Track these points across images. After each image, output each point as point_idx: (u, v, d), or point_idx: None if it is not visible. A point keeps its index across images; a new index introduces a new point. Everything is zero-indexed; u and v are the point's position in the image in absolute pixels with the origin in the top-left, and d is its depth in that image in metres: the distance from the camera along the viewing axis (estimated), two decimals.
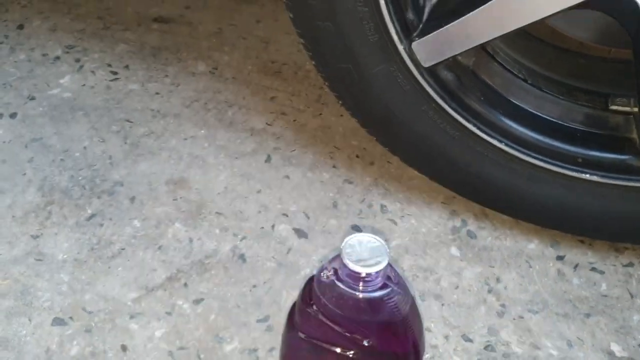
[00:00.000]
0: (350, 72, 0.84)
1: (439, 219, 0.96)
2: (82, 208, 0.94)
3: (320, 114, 1.15)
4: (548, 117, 0.85)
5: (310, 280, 0.54)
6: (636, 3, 0.70)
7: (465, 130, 0.83)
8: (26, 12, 1.35)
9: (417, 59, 0.79)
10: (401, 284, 0.52)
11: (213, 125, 1.11)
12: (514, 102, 0.86)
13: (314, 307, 0.52)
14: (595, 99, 0.86)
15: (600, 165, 0.82)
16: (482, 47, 0.84)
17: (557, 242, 0.93)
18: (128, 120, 1.11)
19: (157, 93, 1.17)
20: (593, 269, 0.89)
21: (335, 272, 0.51)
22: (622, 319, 0.83)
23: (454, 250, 0.91)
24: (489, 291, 0.86)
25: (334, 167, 1.04)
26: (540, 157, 0.83)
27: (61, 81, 1.19)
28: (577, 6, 0.71)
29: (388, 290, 0.50)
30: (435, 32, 0.77)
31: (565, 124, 0.85)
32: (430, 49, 0.79)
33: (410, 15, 0.79)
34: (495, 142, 0.83)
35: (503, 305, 0.84)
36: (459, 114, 0.82)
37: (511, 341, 0.80)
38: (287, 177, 1.02)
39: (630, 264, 0.90)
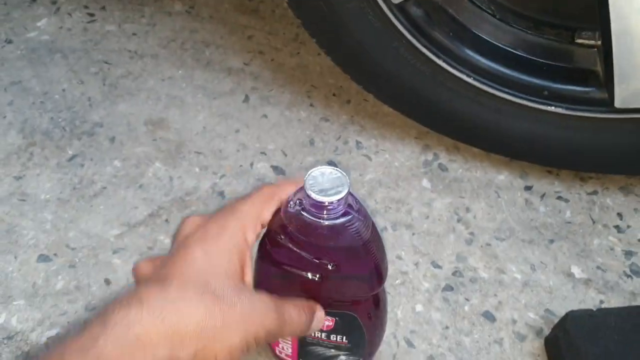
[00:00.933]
0: (322, 9, 0.85)
1: (411, 153, 0.98)
2: (63, 149, 0.96)
3: (298, 53, 1.16)
4: (515, 51, 0.87)
5: (278, 211, 0.57)
6: None
7: (436, 65, 0.85)
8: None
9: None
10: (362, 211, 0.54)
11: (190, 66, 1.12)
12: (483, 37, 0.87)
13: (282, 236, 0.55)
14: (562, 33, 0.88)
15: (565, 98, 0.84)
16: None
17: (526, 173, 0.96)
18: (106, 62, 1.12)
19: (134, 34, 1.18)
20: (559, 198, 0.93)
21: (300, 202, 0.54)
22: (583, 243, 0.87)
23: (425, 183, 0.94)
24: (458, 220, 0.89)
25: (311, 105, 1.06)
26: (508, 90, 0.85)
27: (38, 24, 1.19)
28: None
29: (349, 217, 0.53)
30: None
31: (533, 58, 0.87)
32: None
33: None
34: (464, 76, 0.85)
35: (471, 234, 0.88)
36: (428, 49, 0.84)
37: (478, 267, 0.84)
38: (265, 116, 1.04)
39: (594, 192, 0.94)
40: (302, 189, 0.54)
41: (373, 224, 0.55)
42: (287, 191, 0.56)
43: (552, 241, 0.87)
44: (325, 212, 0.53)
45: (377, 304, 0.62)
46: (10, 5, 1.22)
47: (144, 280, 0.51)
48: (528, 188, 0.94)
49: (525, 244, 0.87)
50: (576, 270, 0.84)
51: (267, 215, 0.55)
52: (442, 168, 0.96)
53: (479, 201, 0.92)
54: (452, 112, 0.90)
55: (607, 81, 0.82)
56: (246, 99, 1.07)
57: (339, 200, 0.52)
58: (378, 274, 0.57)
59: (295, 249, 0.54)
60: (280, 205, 0.56)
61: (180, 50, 1.15)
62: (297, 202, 0.54)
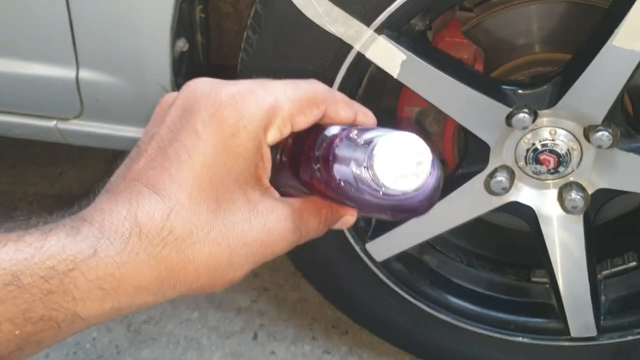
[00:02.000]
0: (313, 261, 1.02)
1: None
2: None
3: (299, 287, 1.32)
4: (483, 291, 1.04)
5: (318, 129, 0.45)
6: (532, 208, 0.90)
7: (417, 308, 1.01)
8: None
9: (371, 255, 0.98)
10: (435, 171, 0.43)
11: (204, 307, 1.27)
12: (454, 281, 1.04)
13: (320, 171, 0.43)
14: (519, 272, 1.05)
15: (529, 329, 0.99)
16: None
17: None
18: None
19: None
20: None
21: (358, 162, 0.41)
22: None
23: None
24: None
25: (313, 338, 1.20)
26: (480, 325, 1.00)
27: None
28: (489, 212, 0.92)
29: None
30: (382, 236, 0.97)
31: (497, 296, 1.03)
32: (380, 247, 0.98)
33: (361, 222, 0.98)
34: (442, 316, 1.00)
35: None
36: (410, 296, 1.00)
37: None
38: (273, 352, 1.17)
39: None
40: (361, 134, 0.42)
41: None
42: (339, 113, 0.45)
43: None
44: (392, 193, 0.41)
45: None
46: None
47: (150, 151, 0.41)
48: None
49: None
50: None
51: (302, 120, 0.44)
52: None
53: None
54: (436, 345, 1.04)
55: (561, 314, 0.97)
56: (255, 336, 1.21)
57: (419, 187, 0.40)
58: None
59: (334, 187, 0.42)
60: (322, 120, 0.45)
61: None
62: (354, 153, 0.41)
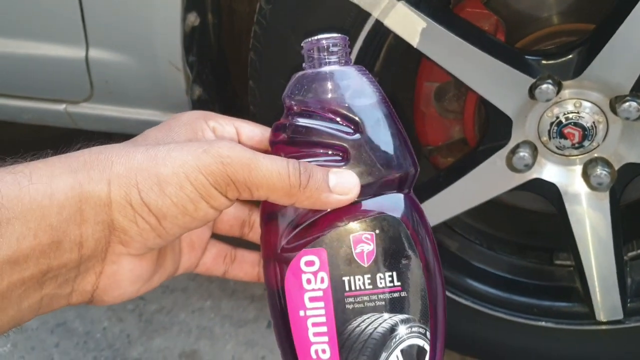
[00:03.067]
0: None
1: None
2: None
3: None
4: (504, 275, 1.00)
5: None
6: (556, 186, 0.87)
7: None
8: None
9: None
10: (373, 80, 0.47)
11: (217, 296, 1.25)
12: (475, 264, 1.01)
13: (288, 125, 0.46)
14: (541, 255, 1.02)
15: (553, 313, 0.96)
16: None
17: None
18: (141, 298, 1.25)
19: None
20: None
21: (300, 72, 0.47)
22: None
23: None
24: None
25: None
26: (501, 310, 0.97)
27: None
28: (510, 190, 0.89)
29: (359, 67, 0.46)
30: None
31: (519, 279, 1.00)
32: None
33: None
34: (462, 300, 0.97)
35: None
36: None
37: None
38: None
39: None
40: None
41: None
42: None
43: None
44: (326, 55, 0.45)
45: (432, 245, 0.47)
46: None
47: None
48: None
49: None
50: None
51: (246, 128, 0.49)
52: None
53: None
54: (457, 331, 1.00)
55: (586, 297, 0.94)
56: (269, 324, 1.18)
57: (338, 38, 0.46)
58: (409, 150, 0.46)
59: (308, 124, 0.45)
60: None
61: (207, 281, 1.29)
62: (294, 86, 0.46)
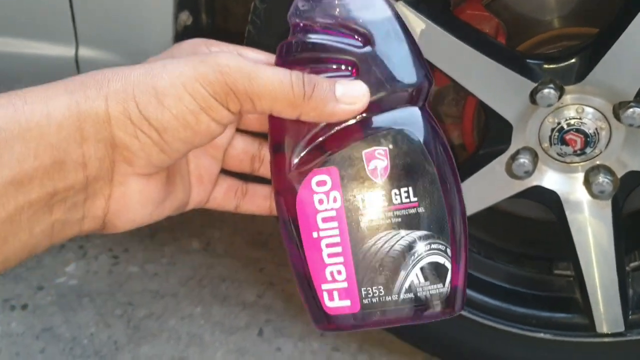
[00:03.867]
0: None
1: None
2: None
3: None
4: (502, 284, 0.98)
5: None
6: (557, 193, 0.85)
7: None
8: None
9: None
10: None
11: (208, 302, 1.22)
12: (471, 273, 0.98)
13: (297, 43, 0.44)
14: (540, 264, 0.99)
15: (551, 325, 0.93)
16: None
17: None
18: (130, 304, 1.22)
19: (155, 274, 1.29)
20: None
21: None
22: None
23: None
24: None
25: (321, 335, 1.14)
26: (499, 320, 0.94)
27: (67, 269, 1.31)
28: (510, 197, 0.86)
29: None
30: None
31: (518, 289, 0.97)
32: None
33: None
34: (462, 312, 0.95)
35: None
36: None
37: None
38: (279, 349, 1.12)
39: None
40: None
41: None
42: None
43: None
44: None
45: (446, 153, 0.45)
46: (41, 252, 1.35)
47: None
48: None
49: None
50: None
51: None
52: None
53: None
54: (452, 342, 0.98)
55: (586, 308, 0.91)
56: (260, 332, 1.15)
57: None
58: (422, 63, 0.44)
59: (314, 40, 0.43)
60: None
61: (198, 287, 1.26)
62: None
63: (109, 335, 1.15)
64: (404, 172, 0.41)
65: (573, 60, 0.77)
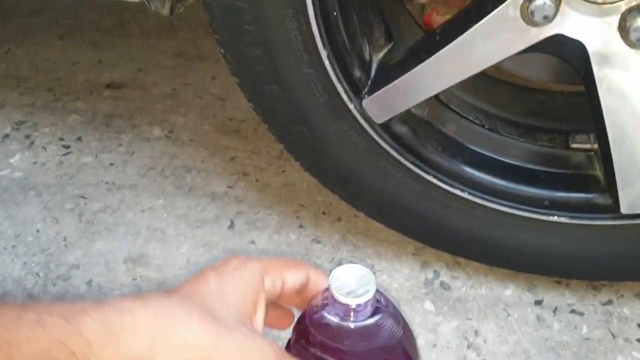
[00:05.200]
0: (303, 134, 0.81)
1: (410, 272, 0.92)
2: (36, 298, 0.90)
3: (283, 171, 1.12)
4: (509, 161, 0.83)
5: (302, 317, 0.53)
6: (582, 44, 0.68)
7: (427, 182, 0.81)
8: None
9: (369, 115, 0.77)
10: (391, 307, 0.53)
11: (171, 194, 1.08)
12: (473, 148, 0.83)
13: (310, 344, 0.52)
14: (555, 138, 0.84)
15: (567, 206, 0.80)
16: (435, 96, 0.82)
17: (534, 285, 0.90)
18: (82, 197, 1.07)
19: (111, 164, 1.14)
20: (572, 311, 0.86)
21: (326, 307, 0.52)
22: None
23: (428, 305, 0.88)
24: (469, 346, 0.82)
25: (300, 226, 1.01)
26: (505, 202, 0.80)
27: (11, 160, 1.15)
28: (524, 50, 0.70)
29: (380, 316, 0.51)
30: (384, 88, 0.75)
31: (528, 167, 0.83)
32: (382, 105, 0.76)
33: (357, 72, 0.77)
34: (457, 191, 0.80)
35: None
36: (417, 167, 0.80)
37: None
38: (253, 242, 0.98)
39: (609, 302, 0.87)
40: (326, 290, 0.52)
41: (403, 319, 0.53)
42: (319, 276, 0.54)
43: None
44: (353, 314, 0.50)
45: None
46: None
47: None
48: (538, 302, 0.88)
49: None
50: None
51: (290, 277, 0.52)
52: (445, 287, 0.90)
53: (488, 322, 0.85)
54: (448, 228, 0.84)
55: (609, 186, 0.77)
56: (231, 225, 1.01)
57: (367, 301, 0.50)
58: None
59: (325, 356, 0.51)
60: (308, 287, 0.54)
61: (160, 178, 1.11)
62: (322, 306, 0.52)
63: (58, 231, 1.01)
64: None
65: None
